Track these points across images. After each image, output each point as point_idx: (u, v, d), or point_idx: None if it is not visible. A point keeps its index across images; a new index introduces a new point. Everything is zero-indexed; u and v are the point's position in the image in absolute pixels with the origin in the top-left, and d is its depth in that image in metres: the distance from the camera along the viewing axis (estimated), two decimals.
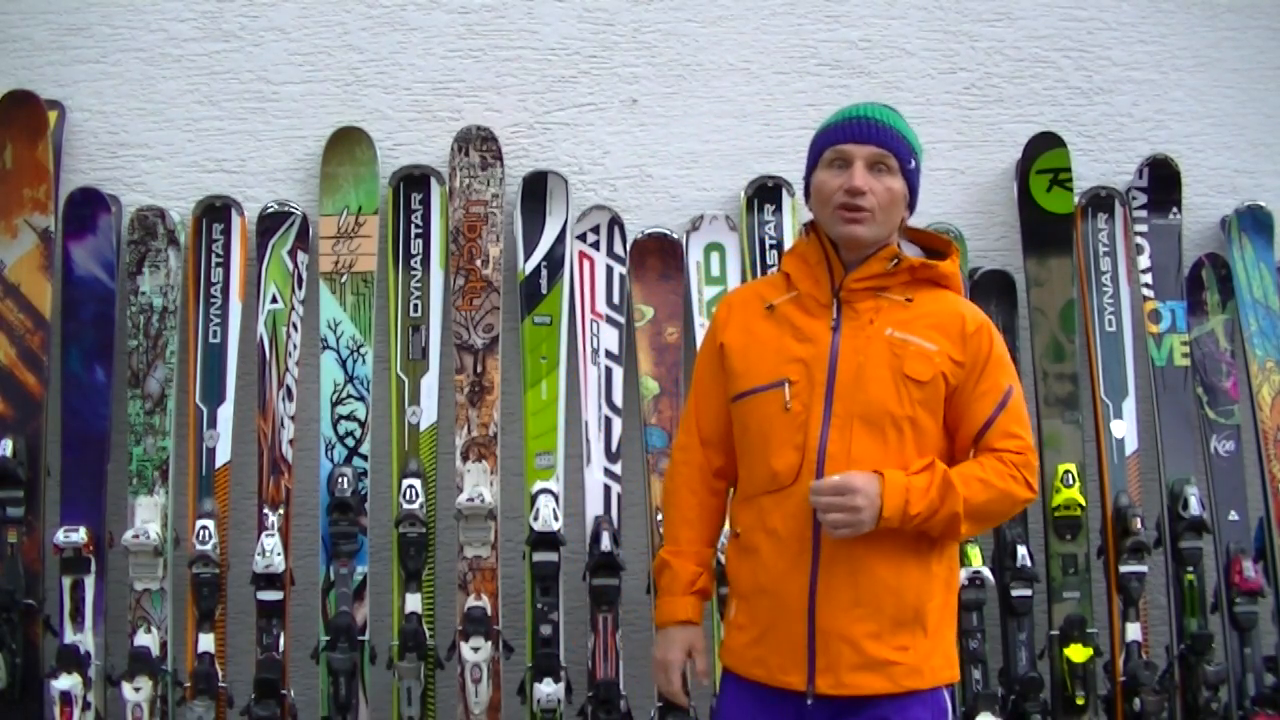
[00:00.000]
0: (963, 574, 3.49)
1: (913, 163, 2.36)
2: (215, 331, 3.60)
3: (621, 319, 3.70)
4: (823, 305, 2.32)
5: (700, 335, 3.67)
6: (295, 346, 3.62)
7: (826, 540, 2.23)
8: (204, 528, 3.39)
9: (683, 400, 3.64)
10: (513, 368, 3.66)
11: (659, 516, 3.50)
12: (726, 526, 2.46)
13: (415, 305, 3.64)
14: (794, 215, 3.74)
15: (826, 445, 2.24)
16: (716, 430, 2.42)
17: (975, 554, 3.51)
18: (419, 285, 3.65)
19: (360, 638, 3.43)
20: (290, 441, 3.56)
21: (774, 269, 3.54)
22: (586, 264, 3.70)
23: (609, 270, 3.71)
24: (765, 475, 2.29)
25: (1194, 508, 3.59)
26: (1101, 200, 3.83)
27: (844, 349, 2.28)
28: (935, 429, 2.31)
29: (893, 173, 2.32)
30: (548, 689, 3.35)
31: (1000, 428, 2.32)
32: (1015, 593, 3.56)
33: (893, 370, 2.27)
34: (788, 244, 3.72)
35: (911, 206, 2.38)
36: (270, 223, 3.65)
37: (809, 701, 2.23)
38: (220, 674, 3.40)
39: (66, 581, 3.39)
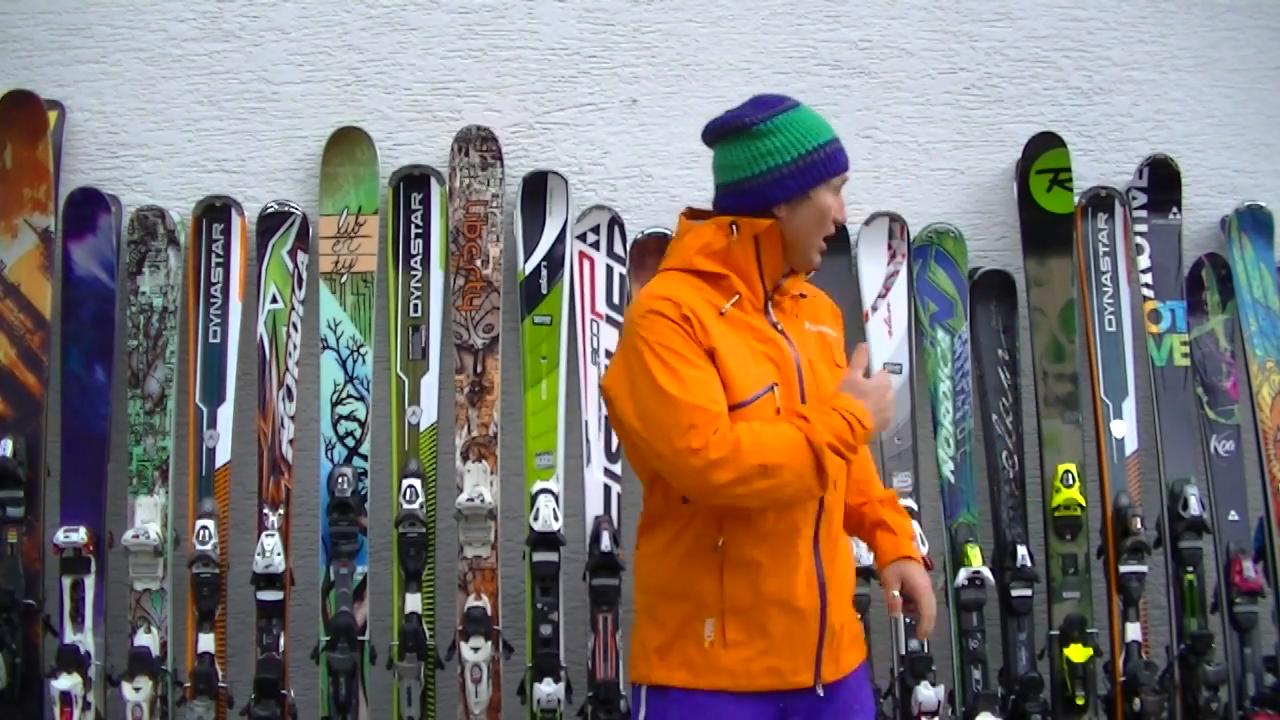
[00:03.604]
0: (962, 574, 3.50)
1: None
2: (215, 331, 3.60)
3: (621, 319, 3.70)
4: (758, 309, 2.28)
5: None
6: (295, 346, 3.61)
7: (823, 538, 2.25)
8: (204, 528, 3.39)
9: None
10: (513, 368, 3.66)
11: None
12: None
13: (415, 305, 3.63)
14: None
15: None
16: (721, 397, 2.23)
17: (975, 554, 3.52)
18: (419, 285, 3.65)
19: (360, 638, 3.43)
20: (290, 441, 3.56)
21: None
22: (586, 264, 3.70)
23: (609, 270, 3.71)
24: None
25: (1194, 508, 3.59)
26: (1101, 200, 3.83)
27: (797, 347, 2.28)
28: None
29: None
30: (548, 689, 3.35)
31: None
32: (1015, 593, 3.56)
33: (828, 362, 2.35)
34: None
35: None
36: (270, 223, 3.65)
37: (820, 693, 2.24)
38: (220, 674, 3.40)
39: (66, 581, 3.39)
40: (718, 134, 2.37)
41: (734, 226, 2.25)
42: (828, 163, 2.26)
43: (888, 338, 3.71)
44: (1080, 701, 3.52)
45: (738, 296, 2.25)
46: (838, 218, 2.27)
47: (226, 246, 3.63)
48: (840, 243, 3.76)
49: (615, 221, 3.73)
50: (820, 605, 2.24)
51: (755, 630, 2.22)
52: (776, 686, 2.23)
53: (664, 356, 2.15)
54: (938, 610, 3.54)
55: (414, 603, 3.44)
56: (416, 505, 3.43)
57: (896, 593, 2.41)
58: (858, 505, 2.46)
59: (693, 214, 2.36)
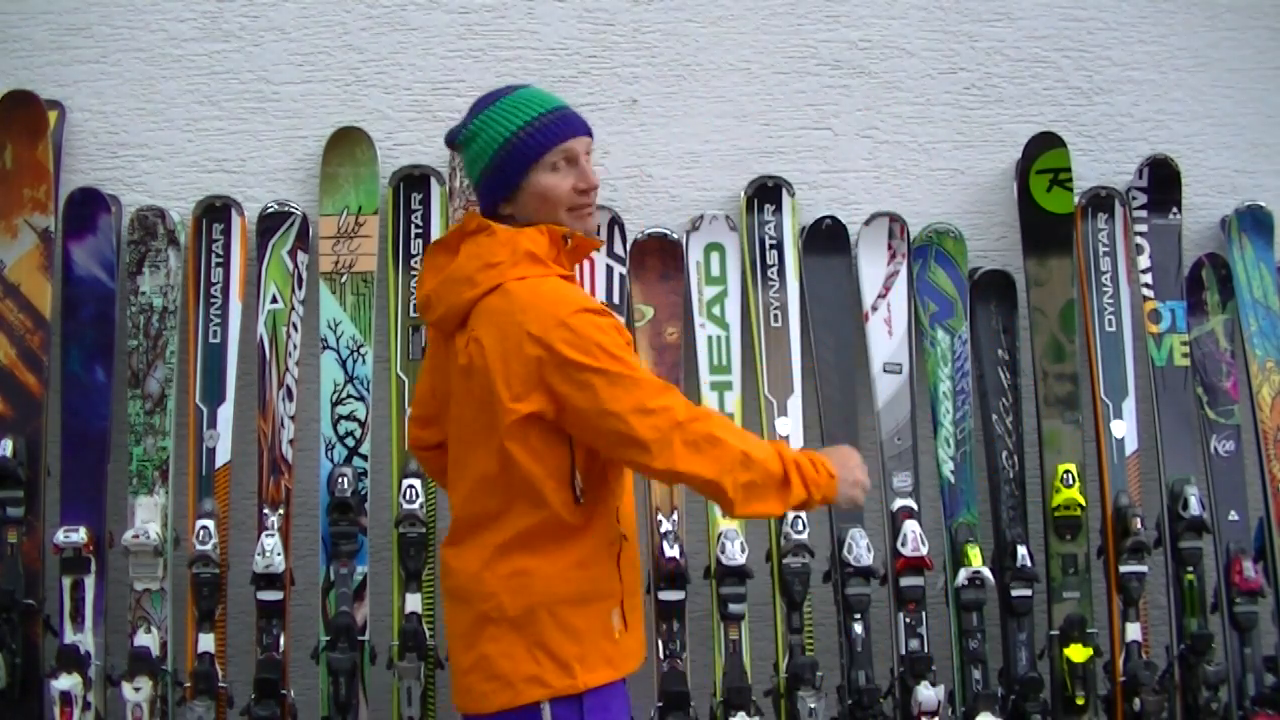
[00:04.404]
0: (962, 574, 3.50)
1: None
2: (215, 331, 3.60)
3: (621, 319, 3.69)
4: None
5: (700, 335, 3.68)
6: (295, 346, 3.61)
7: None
8: (204, 528, 3.39)
9: None
10: None
11: (658, 516, 3.50)
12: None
13: (415, 305, 3.64)
14: (794, 215, 3.75)
15: None
16: None
17: (975, 554, 3.52)
18: (419, 285, 3.64)
19: (360, 638, 3.43)
20: (290, 441, 3.56)
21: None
22: (586, 264, 3.70)
23: (609, 270, 3.71)
24: (626, 475, 2.36)
25: (1194, 508, 3.59)
26: (1101, 200, 3.83)
27: None
28: None
29: (589, 155, 2.31)
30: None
31: None
32: (1015, 593, 3.56)
33: None
34: (788, 244, 3.72)
35: None
36: (270, 223, 3.65)
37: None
38: (220, 674, 3.40)
39: (66, 581, 3.39)
40: (452, 147, 2.42)
41: (567, 239, 2.27)
42: (527, 150, 2.24)
43: (888, 338, 3.71)
44: (1080, 701, 3.52)
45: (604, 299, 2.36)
46: (577, 185, 2.26)
47: (226, 246, 3.63)
48: (840, 243, 3.76)
49: (615, 221, 3.73)
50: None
51: (637, 613, 2.34)
52: (635, 669, 2.32)
53: (633, 358, 2.20)
54: (939, 609, 3.58)
55: (414, 603, 3.44)
56: (416, 505, 3.43)
57: None
58: None
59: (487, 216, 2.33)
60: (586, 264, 3.69)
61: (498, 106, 2.30)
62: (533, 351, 2.15)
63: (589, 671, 2.21)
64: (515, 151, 2.24)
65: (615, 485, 2.31)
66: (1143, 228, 3.86)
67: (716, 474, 2.17)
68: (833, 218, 3.76)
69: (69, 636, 3.37)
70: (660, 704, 3.38)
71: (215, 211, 3.65)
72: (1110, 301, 3.78)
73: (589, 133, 2.30)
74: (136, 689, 3.29)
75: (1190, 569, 3.63)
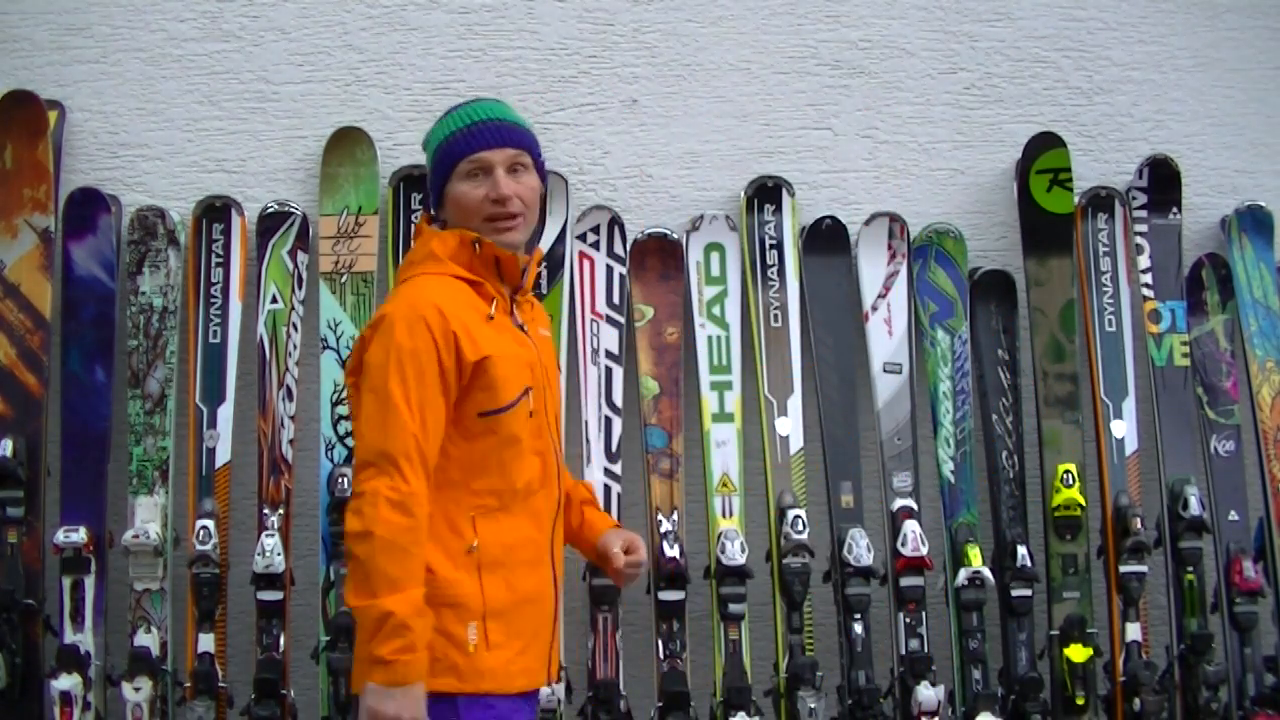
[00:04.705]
0: (962, 574, 3.50)
1: (541, 156, 2.40)
2: (215, 331, 3.59)
3: (621, 319, 3.70)
4: (507, 312, 2.33)
5: (700, 335, 3.68)
6: (295, 346, 3.61)
7: (556, 538, 2.36)
8: (204, 528, 3.39)
9: (683, 400, 3.64)
10: None
11: (658, 516, 3.50)
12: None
13: None
14: (794, 215, 3.75)
15: (556, 446, 2.35)
16: (437, 447, 2.21)
17: (975, 554, 3.52)
18: None
19: None
20: (290, 441, 3.56)
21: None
22: (586, 264, 3.70)
23: (609, 270, 3.71)
24: (519, 484, 2.26)
25: (1194, 508, 3.59)
26: (1101, 200, 3.83)
27: (540, 351, 2.36)
28: None
29: (529, 170, 2.34)
30: (547, 689, 3.34)
31: None
32: (1015, 593, 3.56)
33: (555, 366, 2.49)
34: (788, 244, 3.72)
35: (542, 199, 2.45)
36: (270, 223, 3.65)
37: (551, 690, 2.40)
38: (220, 674, 3.40)
39: (66, 581, 3.39)
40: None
41: (477, 245, 2.28)
42: (444, 159, 2.31)
43: (888, 338, 3.71)
44: (1080, 701, 3.52)
45: (495, 301, 2.29)
46: (490, 195, 2.27)
47: (226, 246, 3.63)
48: (840, 243, 3.76)
49: (615, 221, 3.73)
50: (555, 605, 2.33)
51: (512, 630, 2.25)
52: (526, 688, 2.29)
53: (408, 370, 2.14)
54: (939, 609, 3.58)
55: None
56: None
57: (618, 550, 2.41)
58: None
59: (431, 219, 2.40)
60: (587, 264, 3.70)
61: (447, 117, 2.37)
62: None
63: (434, 676, 2.18)
64: (438, 160, 2.33)
65: (460, 491, 2.23)
66: (1143, 228, 3.86)
67: (352, 553, 2.14)
68: (833, 218, 3.76)
69: (69, 636, 3.37)
70: (660, 704, 3.38)
71: (215, 211, 3.65)
72: (1110, 301, 3.78)
73: (517, 145, 2.32)
74: (136, 689, 3.29)
75: (1190, 569, 3.63)
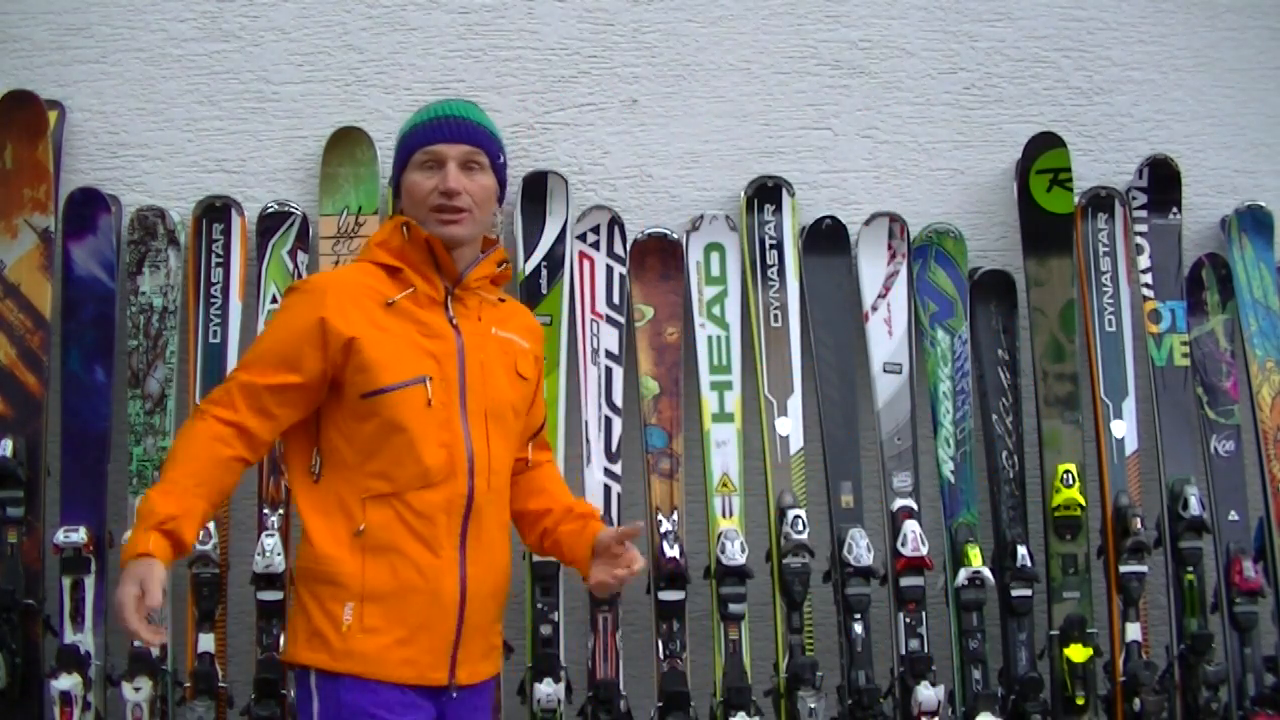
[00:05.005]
0: (962, 574, 3.50)
1: (501, 158, 2.44)
2: (215, 331, 3.59)
3: (621, 319, 3.70)
4: (437, 303, 2.35)
5: (701, 335, 3.68)
6: None
7: (471, 536, 2.30)
8: (204, 528, 3.38)
9: (683, 400, 3.64)
10: None
11: (658, 516, 3.51)
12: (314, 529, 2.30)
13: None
14: (794, 215, 3.75)
15: (472, 442, 2.30)
16: (279, 409, 2.29)
17: (975, 554, 3.52)
18: None
19: None
20: None
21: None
22: (586, 264, 3.70)
23: (609, 270, 3.71)
24: (413, 472, 2.26)
25: (1194, 508, 3.59)
26: (1101, 200, 3.83)
27: (468, 346, 2.34)
28: (523, 425, 2.49)
29: (484, 170, 2.39)
30: (547, 689, 3.35)
31: (544, 438, 2.63)
32: (1015, 593, 3.56)
33: (506, 368, 2.41)
34: (788, 244, 3.72)
35: (500, 200, 2.46)
36: (270, 223, 3.65)
37: (454, 695, 2.29)
38: (220, 674, 3.40)
39: (66, 581, 3.39)
40: None
41: (406, 228, 2.36)
42: (402, 149, 2.41)
43: (888, 338, 3.71)
44: (1080, 701, 3.52)
45: (412, 290, 2.33)
46: (440, 187, 2.33)
47: (226, 246, 3.63)
48: (840, 243, 3.76)
49: (615, 221, 3.73)
50: (460, 601, 2.28)
51: (394, 617, 2.24)
52: (413, 680, 2.26)
53: (270, 332, 2.38)
54: (939, 609, 3.58)
55: None
56: None
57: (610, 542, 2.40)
58: (546, 509, 2.51)
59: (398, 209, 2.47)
60: (587, 264, 3.69)
61: (414, 114, 2.46)
62: None
63: (311, 650, 2.25)
64: (398, 150, 2.43)
65: (354, 473, 2.28)
66: (1143, 228, 3.86)
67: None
68: (833, 218, 3.76)
69: (69, 636, 3.37)
70: (660, 704, 3.38)
71: (215, 211, 3.65)
72: (1110, 301, 3.78)
73: (473, 143, 2.37)
74: (136, 689, 3.29)
75: (1190, 569, 3.63)
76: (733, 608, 3.44)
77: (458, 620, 2.28)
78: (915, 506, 3.60)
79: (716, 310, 3.71)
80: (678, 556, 3.42)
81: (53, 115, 3.60)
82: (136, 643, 3.05)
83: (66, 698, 3.27)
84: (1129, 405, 3.72)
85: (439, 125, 2.37)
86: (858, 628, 3.48)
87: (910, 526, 3.49)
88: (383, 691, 2.23)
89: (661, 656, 3.44)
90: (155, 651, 3.28)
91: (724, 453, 3.62)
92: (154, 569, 2.14)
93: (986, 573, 3.49)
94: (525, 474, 2.55)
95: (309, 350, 2.27)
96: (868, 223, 3.77)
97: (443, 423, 2.28)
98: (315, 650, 2.24)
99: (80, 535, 3.35)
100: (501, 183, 2.44)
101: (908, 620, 3.51)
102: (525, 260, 3.66)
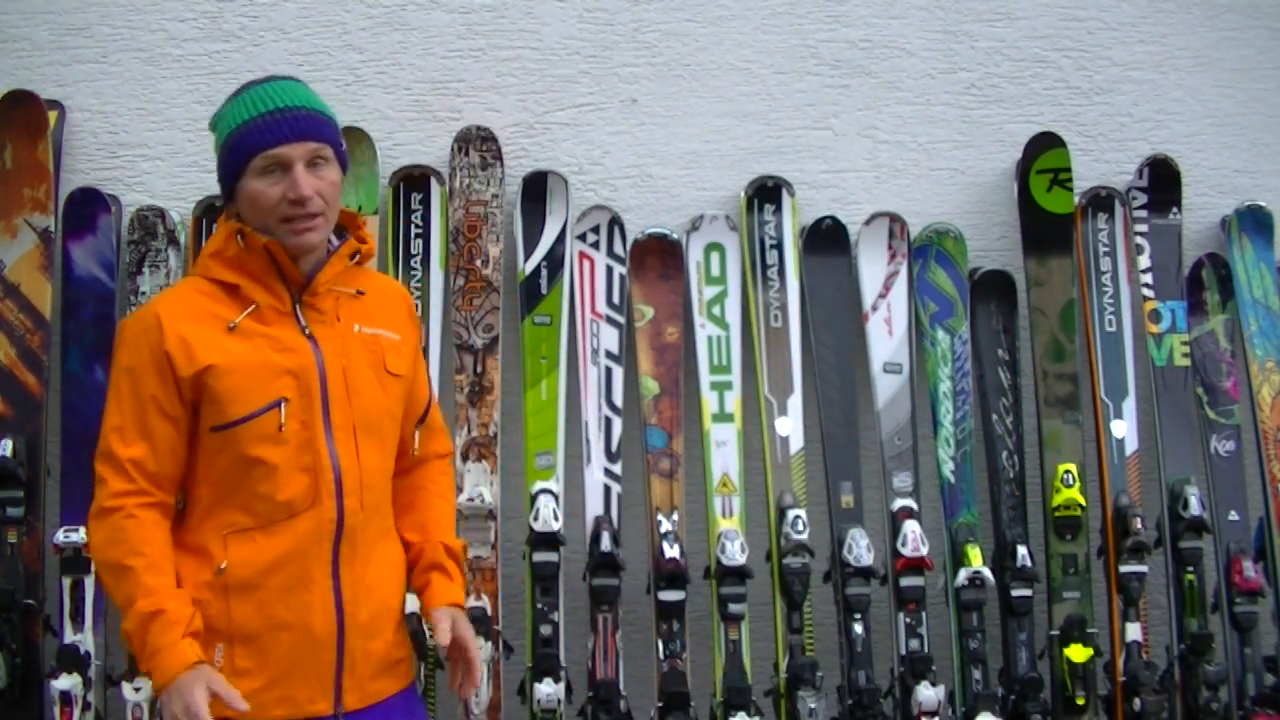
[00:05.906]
0: (962, 574, 3.50)
1: (343, 144, 2.26)
2: None
3: (621, 319, 3.70)
4: (285, 314, 2.19)
5: (700, 335, 3.68)
6: None
7: (344, 561, 2.19)
8: None
9: (683, 400, 3.64)
10: (513, 368, 3.66)
11: (658, 516, 3.50)
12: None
13: (415, 305, 3.63)
14: (794, 215, 3.75)
15: (339, 461, 2.17)
16: (174, 466, 2.17)
17: (975, 554, 3.52)
18: (419, 285, 3.65)
19: None
20: None
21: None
22: (586, 264, 3.70)
23: (609, 270, 3.71)
24: (273, 504, 2.14)
25: (1194, 508, 3.59)
26: (1101, 200, 3.83)
27: (326, 355, 2.18)
28: (401, 420, 2.33)
29: (330, 163, 2.20)
30: (548, 689, 3.35)
31: (433, 420, 2.45)
32: (1015, 593, 3.56)
33: (375, 369, 2.24)
34: (788, 244, 3.72)
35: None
36: None
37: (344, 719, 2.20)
38: None
39: (66, 581, 3.38)
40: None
41: (240, 236, 2.18)
42: (236, 152, 2.18)
43: (888, 338, 3.71)
44: (1080, 701, 3.52)
45: (254, 307, 2.16)
46: (290, 195, 2.14)
47: None
48: (840, 243, 3.76)
49: (615, 221, 3.73)
50: (338, 631, 2.18)
51: (265, 656, 2.15)
52: (291, 715, 2.16)
53: (124, 389, 2.17)
54: (939, 609, 3.58)
55: (414, 603, 3.43)
56: None
57: (447, 631, 2.31)
58: (416, 543, 2.39)
59: (230, 213, 2.26)
60: (587, 264, 3.69)
61: (238, 99, 2.23)
62: None
63: None
64: (229, 152, 2.20)
65: (215, 509, 2.18)
66: (1143, 228, 3.86)
67: (97, 553, 2.18)
68: (833, 218, 3.76)
69: (69, 636, 3.37)
70: (660, 704, 3.38)
71: (215, 211, 3.64)
72: (1110, 301, 3.78)
73: (317, 138, 2.18)
74: (136, 689, 3.28)
75: (1190, 569, 3.63)
76: (733, 608, 3.44)
77: (337, 652, 2.18)
78: (915, 506, 3.60)
79: (716, 310, 3.71)
80: (678, 556, 3.42)
81: (53, 115, 3.60)
82: None
83: (66, 698, 3.27)
84: (1129, 405, 3.72)
85: (276, 123, 2.15)
86: (858, 628, 3.48)
87: (910, 526, 3.49)
88: None
89: (661, 656, 3.44)
90: None
91: (724, 453, 3.62)
92: (213, 676, 2.07)
93: (987, 573, 3.49)
94: (405, 475, 2.40)
95: (164, 395, 2.13)
96: (868, 223, 3.77)
97: (303, 445, 2.14)
98: None
99: (80, 535, 3.34)
100: (344, 168, 2.25)
101: (908, 620, 3.51)
102: (525, 260, 3.66)
